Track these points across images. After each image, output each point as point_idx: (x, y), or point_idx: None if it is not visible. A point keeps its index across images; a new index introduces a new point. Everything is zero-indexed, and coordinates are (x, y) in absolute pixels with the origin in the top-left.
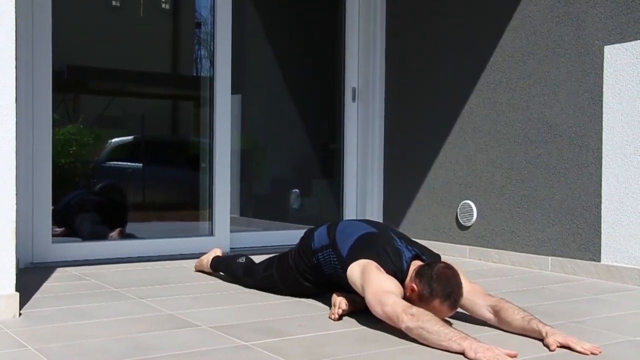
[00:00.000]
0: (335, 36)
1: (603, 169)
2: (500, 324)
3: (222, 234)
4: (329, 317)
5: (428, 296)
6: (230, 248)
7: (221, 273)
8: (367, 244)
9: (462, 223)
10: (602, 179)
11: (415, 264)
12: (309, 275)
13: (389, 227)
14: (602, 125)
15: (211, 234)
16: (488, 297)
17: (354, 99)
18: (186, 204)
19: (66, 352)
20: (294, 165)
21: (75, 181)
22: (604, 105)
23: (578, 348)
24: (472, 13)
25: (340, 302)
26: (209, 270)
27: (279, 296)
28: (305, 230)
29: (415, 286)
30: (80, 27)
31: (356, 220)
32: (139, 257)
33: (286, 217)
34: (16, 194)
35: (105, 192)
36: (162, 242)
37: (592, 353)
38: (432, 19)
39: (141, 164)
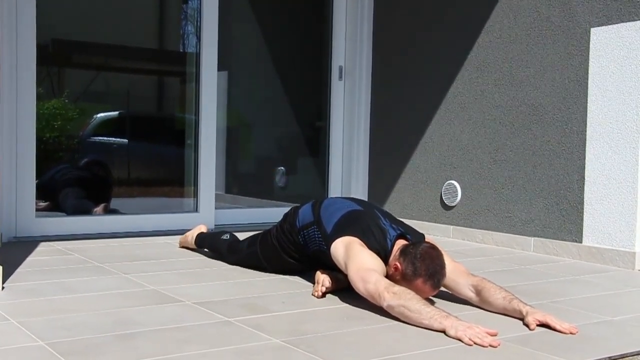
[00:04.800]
0: (323, 13)
1: (587, 151)
2: (482, 304)
3: (206, 211)
4: (312, 295)
5: (411, 275)
6: (215, 225)
7: (205, 249)
8: (351, 222)
9: (447, 203)
10: (586, 162)
11: (400, 243)
12: (293, 252)
13: (374, 205)
14: (587, 108)
15: (196, 210)
16: (470, 276)
17: (340, 77)
18: (171, 181)
19: (49, 326)
20: (280, 143)
21: (59, 156)
22: (589, 87)
23: (557, 327)
24: None
25: (323, 279)
26: (193, 246)
27: (262, 273)
28: (289, 208)
29: (399, 265)
30: (66, 1)
31: (341, 197)
32: (123, 232)
33: (271, 194)
34: None
35: (90, 167)
36: (146, 218)
37: (570, 332)
38: None
39: (126, 140)
